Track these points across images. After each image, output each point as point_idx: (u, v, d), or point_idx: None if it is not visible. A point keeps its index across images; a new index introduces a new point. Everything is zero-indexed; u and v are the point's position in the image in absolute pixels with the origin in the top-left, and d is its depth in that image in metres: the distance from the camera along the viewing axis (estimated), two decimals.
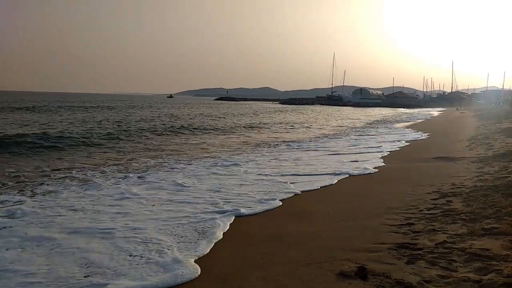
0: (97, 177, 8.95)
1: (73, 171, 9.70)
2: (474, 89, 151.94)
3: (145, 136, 18.96)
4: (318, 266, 4.08)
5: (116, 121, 26.72)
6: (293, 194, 7.37)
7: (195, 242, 4.89)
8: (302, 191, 7.61)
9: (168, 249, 4.63)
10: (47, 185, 8.14)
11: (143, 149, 14.73)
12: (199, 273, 4.04)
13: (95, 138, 16.63)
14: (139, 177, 8.98)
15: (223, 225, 5.54)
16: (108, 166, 10.63)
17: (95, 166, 10.55)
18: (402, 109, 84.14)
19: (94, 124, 24.17)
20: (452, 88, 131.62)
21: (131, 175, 9.20)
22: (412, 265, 3.93)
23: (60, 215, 5.99)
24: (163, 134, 20.27)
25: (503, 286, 3.31)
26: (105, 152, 13.55)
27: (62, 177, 8.97)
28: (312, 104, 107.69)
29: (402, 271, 3.80)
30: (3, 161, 11.12)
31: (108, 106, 54.06)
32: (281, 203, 6.76)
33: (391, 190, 7.54)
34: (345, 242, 4.75)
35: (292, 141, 18.36)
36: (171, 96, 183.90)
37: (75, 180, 8.72)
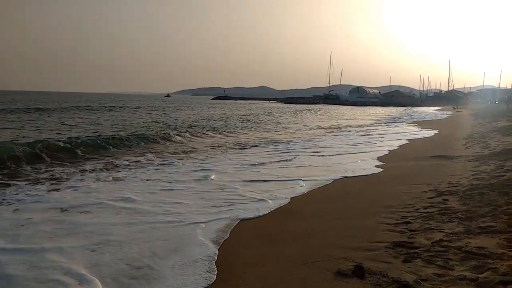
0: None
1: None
2: (470, 87, 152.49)
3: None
4: (315, 265, 4.10)
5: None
6: (290, 196, 7.30)
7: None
8: (298, 194, 7.54)
9: None
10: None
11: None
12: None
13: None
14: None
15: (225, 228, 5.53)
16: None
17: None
18: (412, 107, 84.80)
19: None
20: (448, 87, 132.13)
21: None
22: (409, 263, 3.95)
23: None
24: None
25: (499, 284, 3.34)
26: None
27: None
28: (313, 103, 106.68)
29: (399, 269, 3.82)
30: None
31: (137, 107, 53.46)
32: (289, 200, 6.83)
33: (387, 189, 7.56)
34: (342, 241, 4.77)
35: (290, 141, 18.35)
36: (168, 96, 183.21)
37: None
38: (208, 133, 21.12)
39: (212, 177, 9.03)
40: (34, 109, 37.41)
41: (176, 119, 31.05)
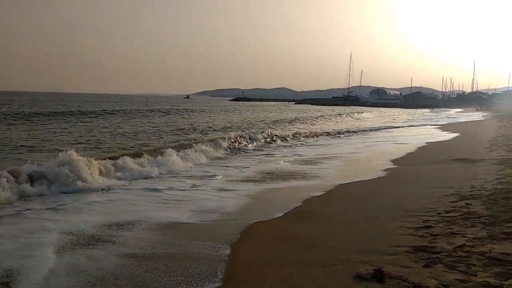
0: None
1: None
2: (495, 89, 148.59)
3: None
4: (334, 268, 4.07)
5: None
6: (306, 197, 7.32)
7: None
8: (316, 195, 7.55)
9: None
10: None
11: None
12: None
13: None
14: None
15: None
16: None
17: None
18: (439, 108, 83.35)
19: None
20: (472, 88, 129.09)
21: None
22: (430, 268, 3.88)
23: None
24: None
25: None
26: None
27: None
28: (333, 104, 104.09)
29: (420, 274, 3.75)
30: None
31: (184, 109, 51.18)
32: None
33: (408, 192, 7.44)
34: (361, 245, 4.72)
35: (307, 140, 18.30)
36: (188, 97, 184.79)
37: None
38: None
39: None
40: (117, 111, 37.71)
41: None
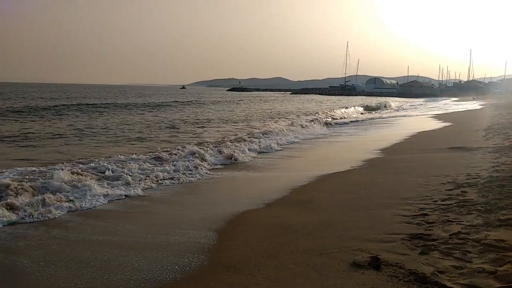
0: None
1: None
2: (491, 77, 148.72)
3: None
4: (331, 256, 4.09)
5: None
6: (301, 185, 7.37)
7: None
8: (311, 181, 7.60)
9: None
10: None
11: None
12: None
13: None
14: None
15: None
16: None
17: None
18: (435, 97, 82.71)
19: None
20: (468, 76, 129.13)
21: None
22: (426, 255, 3.91)
23: None
24: None
25: None
26: None
27: None
28: (330, 94, 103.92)
29: (416, 261, 3.78)
30: None
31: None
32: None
33: (404, 180, 7.47)
34: (357, 232, 4.75)
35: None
36: (183, 87, 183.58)
37: None
38: None
39: None
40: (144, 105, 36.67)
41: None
